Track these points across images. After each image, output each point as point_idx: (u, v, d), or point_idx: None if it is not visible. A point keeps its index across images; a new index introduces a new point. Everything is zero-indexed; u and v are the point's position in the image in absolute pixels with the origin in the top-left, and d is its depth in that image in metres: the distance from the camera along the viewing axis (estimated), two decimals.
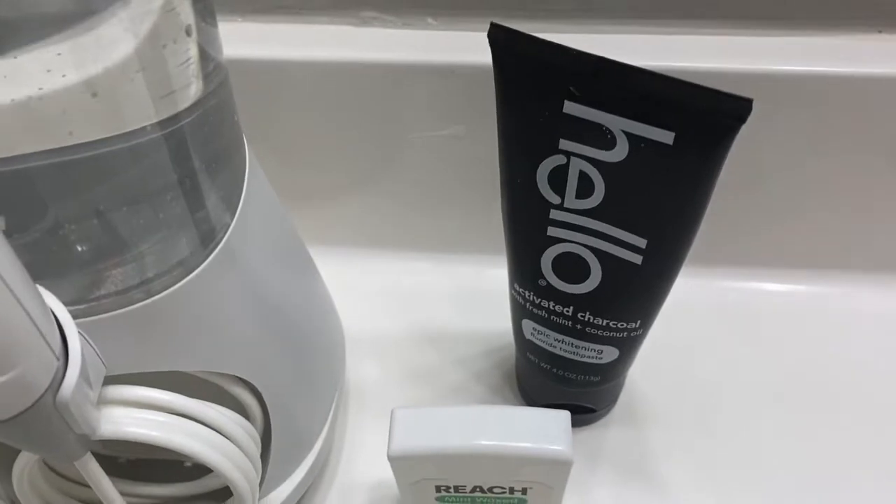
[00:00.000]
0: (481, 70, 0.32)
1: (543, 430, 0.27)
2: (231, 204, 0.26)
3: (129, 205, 0.22)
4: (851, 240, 0.41)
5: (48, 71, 0.17)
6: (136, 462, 0.30)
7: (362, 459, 0.35)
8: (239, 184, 0.26)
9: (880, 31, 0.35)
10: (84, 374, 0.20)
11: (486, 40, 0.25)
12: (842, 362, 0.39)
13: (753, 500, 0.33)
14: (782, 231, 0.41)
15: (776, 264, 0.42)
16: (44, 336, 0.18)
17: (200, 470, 0.31)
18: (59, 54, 0.17)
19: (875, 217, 0.40)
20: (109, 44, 0.18)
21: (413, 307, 0.41)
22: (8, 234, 0.17)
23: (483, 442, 0.27)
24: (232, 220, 0.25)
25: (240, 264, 0.26)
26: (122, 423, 0.23)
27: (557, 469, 0.27)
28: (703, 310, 0.41)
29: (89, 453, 0.23)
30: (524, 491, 0.29)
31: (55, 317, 0.19)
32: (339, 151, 0.40)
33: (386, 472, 0.33)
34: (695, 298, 0.40)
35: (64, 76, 0.18)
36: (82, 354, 0.20)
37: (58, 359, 0.19)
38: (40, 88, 0.18)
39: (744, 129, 0.23)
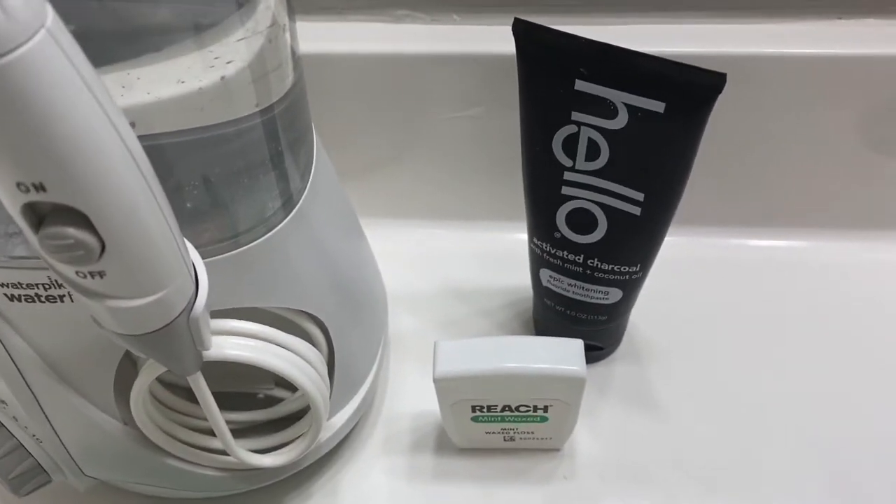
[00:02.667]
0: (499, 59, 0.38)
1: (561, 354, 0.32)
2: (304, 175, 0.31)
3: (233, 173, 0.27)
4: (825, 199, 0.46)
5: (189, 66, 0.23)
6: (217, 395, 0.35)
7: (404, 394, 0.40)
8: (310, 158, 0.31)
9: (839, 17, 0.40)
10: (207, 303, 0.25)
11: (504, 33, 0.30)
12: (820, 304, 0.44)
13: (745, 424, 0.38)
14: (763, 194, 0.46)
15: (761, 223, 0.47)
16: (187, 266, 0.23)
17: (270, 401, 0.36)
18: (197, 58, 0.23)
19: (844, 178, 0.45)
20: (233, 44, 0.24)
21: (442, 268, 0.46)
22: None
23: (511, 364, 0.32)
24: (305, 187, 0.31)
25: (310, 224, 0.31)
26: (224, 347, 0.28)
27: (573, 386, 0.33)
28: (696, 264, 0.46)
29: (200, 372, 0.28)
30: (546, 409, 0.34)
31: None
32: (375, 133, 0.45)
33: (424, 405, 0.38)
34: (688, 254, 0.45)
35: (199, 78, 0.23)
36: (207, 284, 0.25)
37: (193, 284, 0.24)
38: (181, 82, 0.23)
39: (727, 104, 0.28)
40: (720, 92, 0.27)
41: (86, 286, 0.21)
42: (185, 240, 0.25)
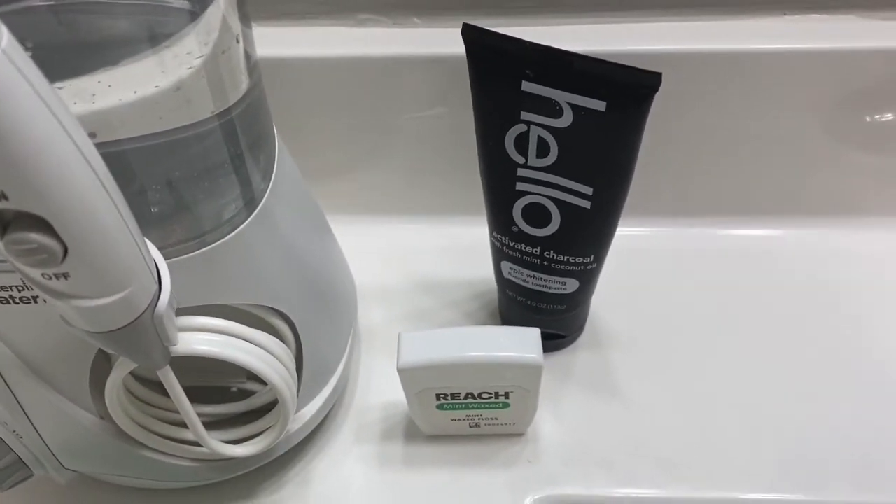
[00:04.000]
0: (460, 60, 0.39)
1: (519, 342, 0.34)
2: (266, 174, 0.32)
3: (195, 175, 0.29)
4: (780, 188, 0.47)
5: (145, 77, 0.24)
6: (189, 388, 0.36)
7: (374, 385, 0.42)
8: (271, 158, 0.33)
9: (784, 14, 0.42)
10: (170, 300, 0.27)
11: (460, 35, 0.32)
12: (781, 291, 0.45)
13: (705, 409, 0.39)
14: (725, 185, 0.48)
15: (723, 213, 0.48)
16: (147, 265, 0.25)
17: (243, 393, 0.37)
18: (153, 64, 0.24)
19: (803, 167, 0.46)
20: (187, 55, 0.25)
21: (410, 262, 0.48)
22: None
23: (472, 353, 0.34)
24: (267, 187, 0.32)
25: (274, 222, 0.32)
26: (191, 343, 0.29)
27: (531, 373, 0.34)
28: (657, 254, 0.47)
29: (168, 366, 0.29)
30: (507, 395, 0.35)
31: None
32: (342, 133, 0.46)
33: (394, 395, 0.40)
34: (649, 244, 0.47)
35: (156, 86, 0.25)
36: (170, 283, 0.26)
37: (155, 283, 0.26)
38: (135, 92, 0.25)
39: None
40: (657, 90, 0.29)
41: (51, 287, 0.23)
42: (147, 240, 0.26)
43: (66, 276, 0.22)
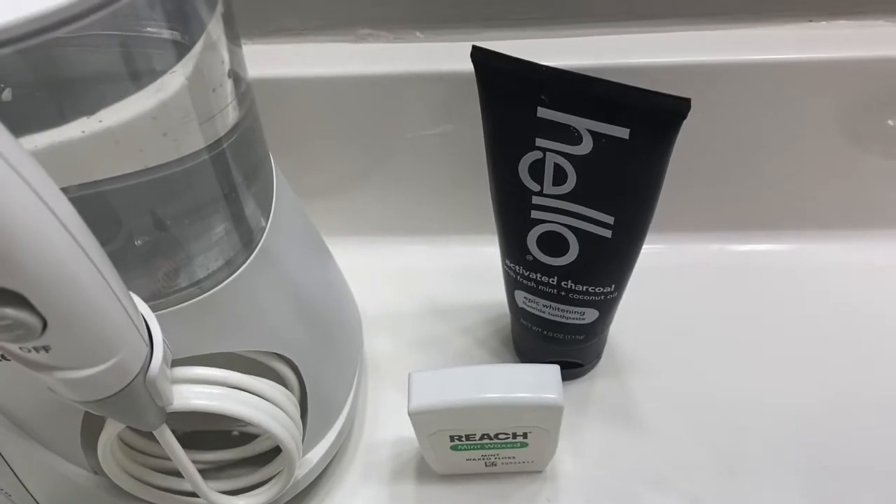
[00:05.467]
0: (464, 75, 0.37)
1: (538, 381, 0.32)
2: (265, 209, 0.30)
3: (186, 217, 0.27)
4: (802, 202, 0.45)
5: (125, 114, 0.22)
6: (191, 434, 0.35)
7: (383, 421, 0.40)
8: (269, 191, 0.31)
9: (810, 20, 0.40)
10: (164, 357, 0.25)
11: (468, 50, 0.29)
12: (804, 308, 0.43)
13: (727, 438, 0.38)
14: (740, 198, 0.45)
15: (740, 227, 0.46)
16: (137, 328, 0.23)
17: (245, 438, 0.36)
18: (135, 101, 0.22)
19: (821, 179, 0.44)
20: (173, 92, 0.23)
21: (417, 286, 0.46)
22: None
23: (488, 395, 0.32)
24: (267, 223, 0.30)
25: (275, 261, 0.30)
26: (189, 397, 0.27)
27: (551, 414, 0.32)
28: (674, 272, 0.45)
29: (165, 424, 0.27)
30: (525, 435, 0.33)
31: None
32: (343, 153, 0.44)
33: (404, 430, 0.37)
34: (665, 262, 0.45)
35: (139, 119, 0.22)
36: (163, 341, 0.24)
37: (146, 345, 0.24)
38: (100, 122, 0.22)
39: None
40: (685, 118, 0.27)
41: (32, 360, 0.21)
42: (134, 295, 0.24)
43: (46, 348, 0.20)
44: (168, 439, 0.28)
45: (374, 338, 0.42)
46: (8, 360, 0.26)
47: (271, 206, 0.31)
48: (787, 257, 0.46)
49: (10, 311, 0.19)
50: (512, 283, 0.37)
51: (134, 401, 0.24)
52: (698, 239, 0.47)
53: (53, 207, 0.18)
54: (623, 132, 0.28)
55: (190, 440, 0.34)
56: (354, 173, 0.45)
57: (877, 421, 0.38)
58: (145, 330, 0.24)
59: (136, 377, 0.23)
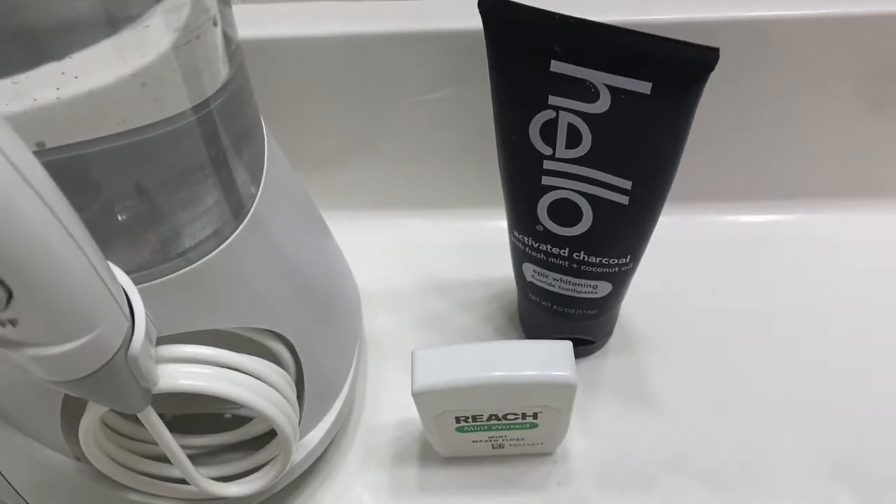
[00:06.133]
0: (469, 35, 0.35)
1: (549, 358, 0.30)
2: (255, 177, 0.28)
3: (170, 183, 0.25)
4: (817, 170, 0.44)
5: (101, 68, 0.20)
6: (180, 417, 0.33)
7: (384, 402, 0.38)
8: (260, 157, 0.28)
9: None
10: (148, 334, 0.23)
11: (470, 7, 0.27)
12: (819, 281, 0.41)
13: (745, 413, 0.36)
14: (753, 167, 0.44)
15: (749, 197, 0.45)
16: (116, 300, 0.21)
17: (238, 420, 0.34)
18: (110, 51, 0.20)
19: (838, 148, 0.42)
20: (152, 40, 0.20)
21: (419, 260, 0.44)
22: None
23: (496, 373, 0.30)
24: (257, 191, 0.28)
25: (266, 231, 0.28)
26: (176, 377, 0.25)
27: (564, 392, 0.30)
28: (686, 243, 0.43)
29: (150, 406, 0.25)
30: (535, 416, 0.32)
31: None
32: (339, 121, 0.42)
33: (407, 411, 0.36)
34: (675, 234, 0.42)
35: (115, 77, 0.20)
36: (146, 315, 0.22)
37: (127, 320, 0.21)
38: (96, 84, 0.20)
39: (715, 73, 0.25)
40: (712, 69, 0.25)
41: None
42: (113, 265, 0.22)
43: (13, 322, 0.18)
44: (154, 423, 0.26)
45: (373, 315, 0.41)
46: None
47: (262, 173, 0.29)
48: (804, 227, 0.44)
49: None
50: (520, 256, 0.35)
51: (115, 381, 0.22)
52: (712, 210, 0.45)
53: (18, 164, 0.16)
54: (644, 87, 0.25)
55: (178, 424, 0.32)
56: (351, 143, 0.43)
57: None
58: (126, 303, 0.22)
59: (115, 355, 0.21)
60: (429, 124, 0.42)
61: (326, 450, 0.35)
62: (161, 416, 0.32)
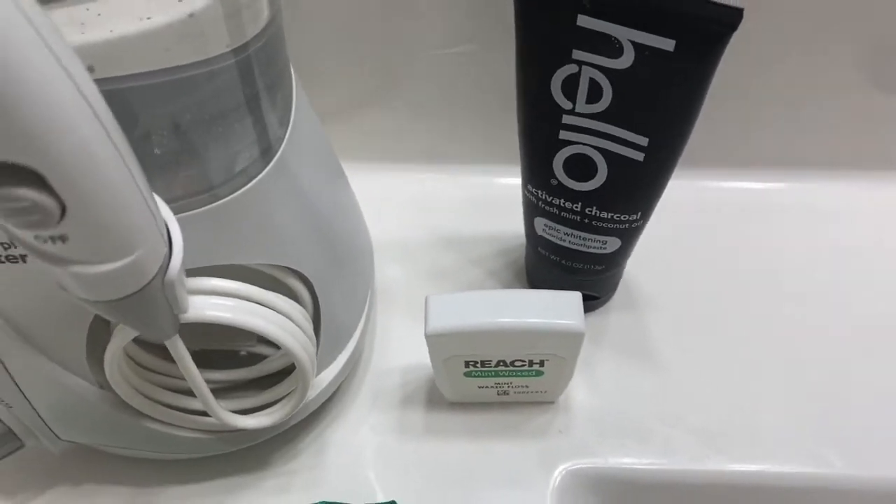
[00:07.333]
0: None
1: (558, 307, 0.31)
2: (284, 120, 0.28)
3: (206, 121, 0.25)
4: (827, 139, 0.44)
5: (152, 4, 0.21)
6: (197, 353, 0.33)
7: (391, 348, 0.39)
8: (289, 102, 0.29)
9: None
10: (182, 261, 0.23)
11: None
12: (821, 248, 0.43)
13: (736, 374, 0.37)
14: (760, 134, 0.44)
15: (758, 164, 0.46)
16: (158, 225, 0.21)
17: (253, 358, 0.35)
18: None
19: (846, 116, 0.43)
20: None
21: (429, 214, 0.45)
22: None
23: (507, 319, 0.31)
24: (285, 134, 0.28)
25: (292, 173, 0.29)
26: (203, 307, 0.26)
27: (571, 341, 0.31)
28: (691, 207, 0.44)
29: (177, 335, 0.26)
30: (542, 363, 0.33)
31: None
32: (357, 71, 0.42)
33: (414, 358, 0.37)
34: (683, 197, 0.43)
35: (167, 16, 0.21)
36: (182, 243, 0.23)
37: (166, 245, 0.22)
38: (148, 18, 0.21)
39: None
40: (735, 29, 0.25)
41: (46, 251, 0.19)
42: (157, 196, 0.23)
43: (63, 238, 0.19)
44: (180, 351, 0.27)
45: (384, 266, 0.41)
46: (14, 262, 0.25)
47: (290, 116, 0.29)
48: (808, 196, 0.45)
49: (27, 192, 0.17)
50: (532, 210, 0.36)
51: (149, 305, 0.23)
52: (717, 175, 0.46)
53: (78, 83, 0.17)
54: (668, 44, 0.26)
55: (196, 360, 0.33)
56: (368, 94, 0.44)
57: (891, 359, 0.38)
58: (165, 229, 0.22)
59: (153, 279, 0.22)
60: (446, 80, 0.43)
61: (336, 391, 0.36)
62: None
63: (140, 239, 0.21)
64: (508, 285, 0.41)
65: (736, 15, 0.25)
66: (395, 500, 0.32)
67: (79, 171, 0.18)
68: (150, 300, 0.23)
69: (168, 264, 0.22)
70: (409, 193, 0.46)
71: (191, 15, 0.22)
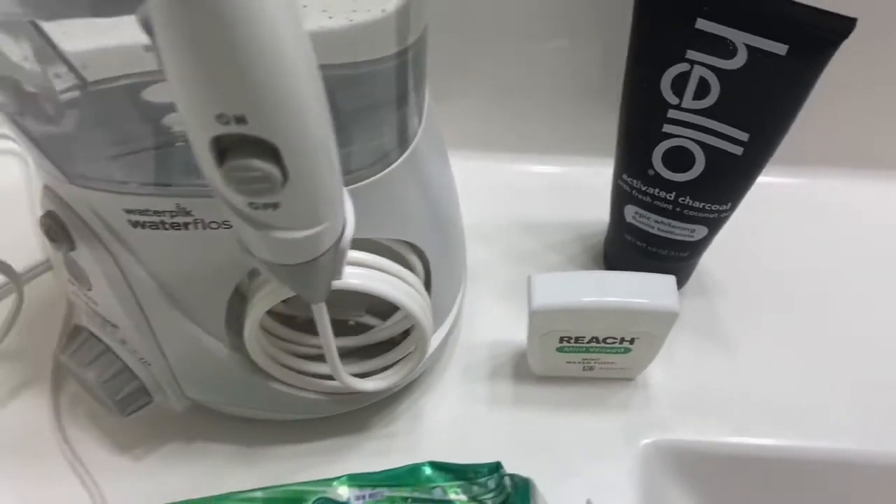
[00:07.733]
0: None
1: (655, 289, 0.33)
2: (420, 115, 0.31)
3: (362, 111, 0.28)
4: None
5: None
6: (309, 322, 0.36)
7: (478, 324, 0.41)
8: (424, 97, 0.31)
9: None
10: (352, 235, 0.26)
11: None
12: (886, 250, 0.45)
13: (816, 362, 0.39)
14: (836, 133, 0.46)
15: (833, 163, 0.47)
16: (342, 198, 0.24)
17: (360, 328, 0.37)
18: None
19: None
20: None
21: (511, 201, 0.47)
22: None
23: (610, 298, 0.33)
24: (419, 126, 0.31)
25: (421, 162, 0.31)
26: (347, 276, 0.29)
27: (665, 320, 0.34)
28: (764, 201, 0.45)
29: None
30: (632, 341, 0.35)
31: None
32: (446, 60, 0.44)
33: (499, 334, 0.39)
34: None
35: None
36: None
37: (343, 217, 0.25)
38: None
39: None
40: (846, 37, 0.28)
41: (256, 217, 0.22)
42: None
43: (275, 206, 0.21)
44: (324, 315, 0.29)
45: (470, 249, 0.43)
46: (177, 229, 0.28)
47: (424, 110, 0.32)
48: (869, 192, 0.47)
49: (260, 163, 0.19)
50: (624, 198, 0.38)
51: (319, 270, 0.25)
52: (791, 172, 0.47)
53: (314, 69, 0.19)
54: (781, 48, 0.29)
55: (309, 329, 0.35)
56: (459, 87, 0.46)
57: None
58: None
59: (330, 247, 0.24)
60: (536, 71, 0.44)
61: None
62: (293, 317, 0.35)
63: (333, 210, 0.23)
64: (586, 269, 0.44)
65: (848, 24, 0.27)
66: (500, 462, 0.34)
67: (306, 147, 0.20)
68: (323, 266, 0.25)
69: (342, 235, 0.25)
70: (492, 180, 0.48)
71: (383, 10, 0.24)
